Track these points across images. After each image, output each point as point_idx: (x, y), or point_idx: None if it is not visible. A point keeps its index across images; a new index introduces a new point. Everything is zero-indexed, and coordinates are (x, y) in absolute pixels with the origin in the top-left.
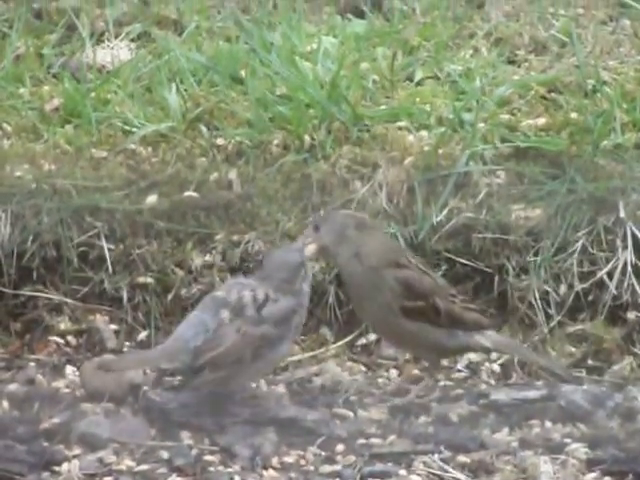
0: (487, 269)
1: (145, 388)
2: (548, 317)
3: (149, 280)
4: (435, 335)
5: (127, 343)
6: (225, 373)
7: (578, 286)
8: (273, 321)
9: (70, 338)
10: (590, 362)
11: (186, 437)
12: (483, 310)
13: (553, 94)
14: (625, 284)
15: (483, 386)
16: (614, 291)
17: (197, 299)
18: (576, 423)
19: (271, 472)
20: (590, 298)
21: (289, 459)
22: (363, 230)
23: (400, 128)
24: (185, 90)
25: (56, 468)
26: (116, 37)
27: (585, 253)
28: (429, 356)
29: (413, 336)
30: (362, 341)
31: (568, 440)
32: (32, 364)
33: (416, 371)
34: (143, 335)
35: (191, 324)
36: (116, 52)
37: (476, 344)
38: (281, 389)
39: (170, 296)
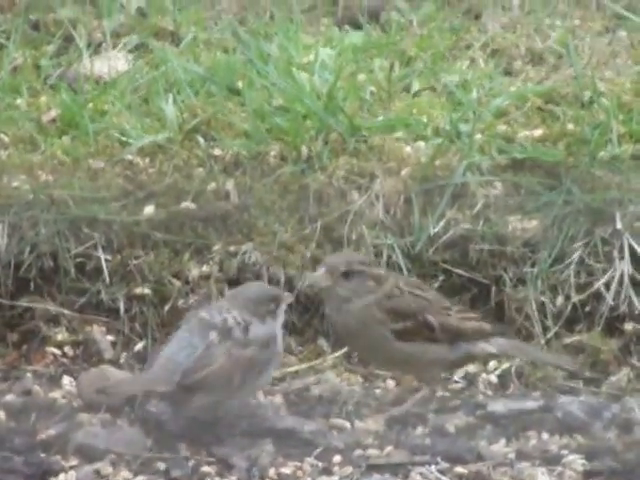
0: (484, 280)
1: (142, 399)
2: (545, 328)
3: (146, 291)
4: (434, 351)
5: (124, 354)
6: (215, 397)
7: (575, 297)
8: (259, 344)
9: (67, 349)
10: (587, 373)
11: (183, 448)
12: (483, 318)
13: (550, 105)
14: (622, 295)
15: (480, 397)
16: (611, 302)
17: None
18: (573, 434)
19: None
20: (587, 309)
21: (286, 470)
22: (349, 278)
23: (397, 139)
24: (182, 101)
25: (53, 479)
26: (113, 48)
27: (582, 264)
28: (432, 373)
29: (412, 357)
30: None
31: (565, 451)
32: (29, 375)
33: (414, 382)
34: (140, 346)
35: (181, 346)
36: (113, 63)
37: (481, 351)
38: (278, 400)
39: (167, 307)
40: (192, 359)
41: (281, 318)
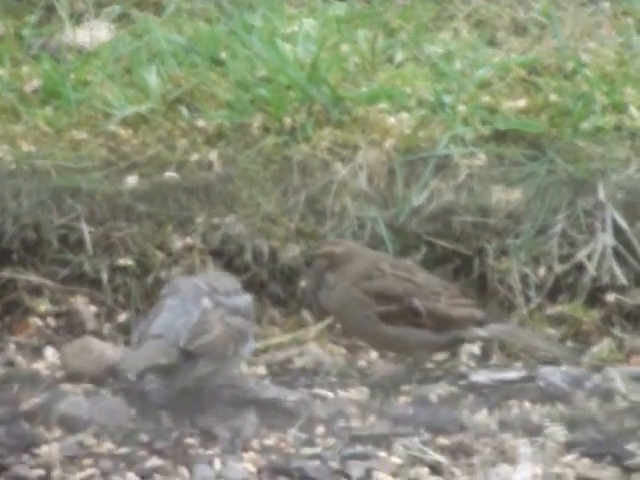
0: (467, 251)
1: (125, 369)
2: (528, 299)
3: (129, 262)
4: (421, 335)
5: (107, 325)
6: (214, 366)
7: (557, 268)
8: (242, 314)
9: (50, 320)
10: (569, 344)
11: (166, 419)
12: (476, 303)
13: (533, 76)
14: (604, 266)
15: (463, 368)
16: (593, 273)
17: None
18: (555, 404)
19: (251, 454)
20: (569, 280)
21: (269, 441)
22: (331, 263)
23: (380, 110)
24: (165, 72)
25: (36, 450)
26: (96, 18)
27: (565, 235)
28: (420, 355)
29: (398, 340)
30: None
31: (547, 422)
32: (12, 346)
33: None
34: (123, 317)
35: (177, 314)
36: (96, 33)
37: (473, 335)
38: (262, 370)
39: (150, 278)
40: (190, 326)
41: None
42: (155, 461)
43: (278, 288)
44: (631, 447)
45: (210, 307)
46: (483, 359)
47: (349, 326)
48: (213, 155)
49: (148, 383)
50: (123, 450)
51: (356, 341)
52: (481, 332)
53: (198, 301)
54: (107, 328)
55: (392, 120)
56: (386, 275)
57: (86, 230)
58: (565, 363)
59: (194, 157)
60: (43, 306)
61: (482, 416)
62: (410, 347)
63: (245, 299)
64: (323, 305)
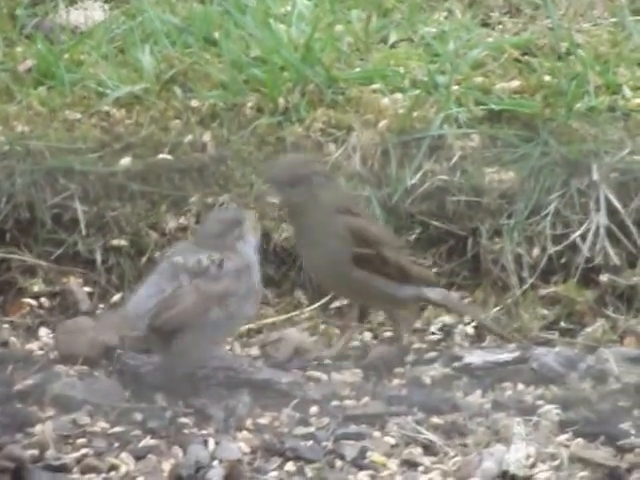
0: (460, 232)
1: (119, 350)
2: (521, 280)
3: (123, 242)
4: (383, 285)
5: (101, 305)
6: (193, 337)
7: (551, 249)
8: (232, 276)
9: (44, 300)
10: (562, 324)
11: (160, 399)
12: (429, 266)
13: (527, 57)
14: (598, 247)
15: (456, 349)
16: (587, 254)
17: None
18: (548, 385)
19: (245, 434)
20: (563, 261)
21: (263, 421)
22: (320, 176)
23: (374, 91)
24: (159, 52)
25: (30, 429)
26: None
27: (558, 216)
28: (380, 306)
29: (361, 285)
30: (336, 304)
31: (540, 402)
32: (5, 326)
33: (389, 333)
34: (117, 297)
35: (151, 291)
36: (89, 13)
37: (425, 297)
38: (255, 351)
39: (144, 259)
40: (159, 301)
41: (252, 239)
42: (149, 441)
43: (271, 269)
44: (624, 427)
45: (186, 281)
46: (477, 340)
47: (317, 259)
48: (207, 135)
49: (137, 364)
50: (117, 429)
51: (348, 321)
52: (433, 296)
53: (175, 278)
54: (101, 308)
55: (386, 100)
56: (364, 215)
57: (80, 210)
58: (492, 335)
59: (188, 137)
60: (37, 286)
61: (476, 397)
62: (372, 296)
63: (241, 258)
64: (299, 214)
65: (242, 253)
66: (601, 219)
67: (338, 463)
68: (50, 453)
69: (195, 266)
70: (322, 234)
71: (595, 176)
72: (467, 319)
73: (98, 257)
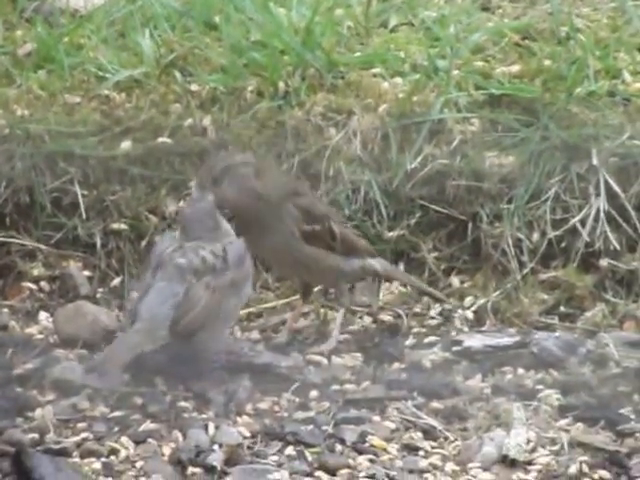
0: (461, 216)
1: (118, 334)
2: (521, 264)
3: (123, 226)
4: (332, 260)
5: (100, 289)
6: (210, 332)
7: (551, 233)
8: (235, 264)
9: (43, 284)
10: (562, 309)
11: (160, 383)
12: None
13: (527, 41)
14: (598, 231)
15: (456, 333)
16: (587, 238)
17: None
18: (549, 370)
19: (245, 418)
20: (563, 245)
21: (263, 405)
22: (249, 166)
23: (374, 75)
24: (159, 35)
25: (30, 414)
26: None
27: (558, 200)
28: (330, 282)
29: (312, 261)
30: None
31: (541, 387)
32: (5, 310)
33: (389, 317)
34: (116, 281)
35: (164, 297)
36: None
37: (369, 268)
38: (255, 335)
39: (144, 242)
40: (175, 306)
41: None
42: (149, 425)
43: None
44: (624, 411)
45: (194, 280)
46: (477, 324)
47: (268, 244)
48: (207, 119)
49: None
50: (117, 413)
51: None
52: (376, 267)
53: (183, 279)
54: (100, 292)
55: (386, 85)
56: (309, 194)
57: (80, 194)
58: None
59: (188, 121)
60: (36, 270)
61: (476, 381)
62: (321, 271)
63: (237, 245)
64: (245, 213)
65: (237, 241)
66: (601, 204)
67: (338, 447)
68: (50, 437)
69: (201, 266)
70: (272, 221)
71: (595, 161)
72: (467, 303)
73: (98, 241)
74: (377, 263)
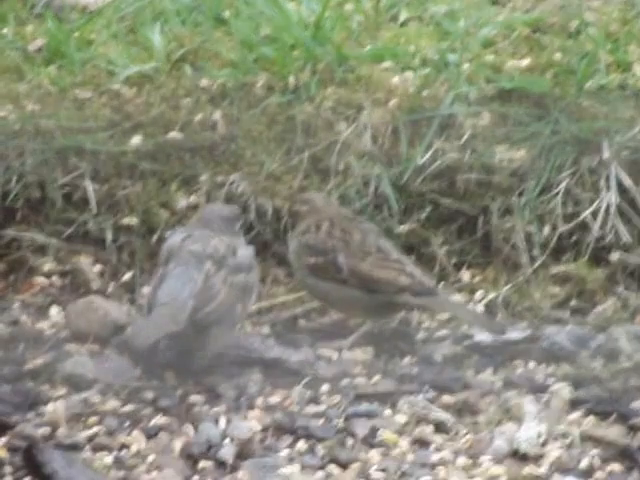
0: (471, 210)
1: (130, 329)
2: (532, 258)
3: (133, 221)
4: (347, 293)
5: (111, 284)
6: (224, 327)
7: (562, 227)
8: (246, 268)
9: (54, 279)
10: (573, 303)
11: (171, 378)
12: (407, 272)
13: (537, 35)
14: (608, 225)
15: (467, 327)
16: (597, 232)
17: None
18: (560, 363)
19: (256, 412)
20: (574, 239)
21: (274, 399)
22: (296, 220)
23: (385, 69)
24: (169, 30)
25: (41, 408)
26: None
27: (569, 194)
28: (359, 315)
29: (327, 294)
30: None
31: (552, 380)
32: (16, 305)
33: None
34: (127, 276)
35: (183, 282)
36: None
37: (406, 302)
38: (266, 330)
39: (154, 237)
40: (195, 293)
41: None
42: (160, 419)
43: (282, 247)
44: (636, 405)
45: (212, 270)
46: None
47: (297, 278)
48: (217, 114)
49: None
50: (128, 408)
51: None
52: (412, 300)
53: (201, 266)
54: (112, 287)
55: (396, 79)
56: (320, 231)
57: (90, 189)
58: (491, 334)
59: (198, 116)
60: (47, 265)
61: (487, 375)
62: (340, 304)
63: (248, 250)
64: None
65: (247, 246)
66: (612, 197)
67: (349, 441)
68: (61, 432)
69: (214, 253)
70: (290, 255)
71: (606, 154)
72: (477, 297)
73: (109, 236)
74: (418, 300)
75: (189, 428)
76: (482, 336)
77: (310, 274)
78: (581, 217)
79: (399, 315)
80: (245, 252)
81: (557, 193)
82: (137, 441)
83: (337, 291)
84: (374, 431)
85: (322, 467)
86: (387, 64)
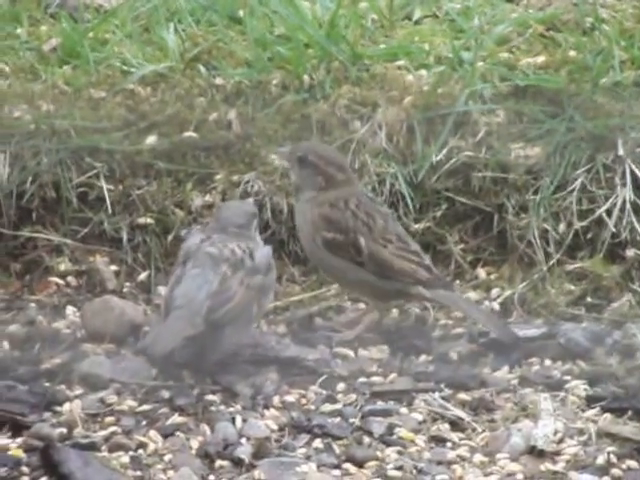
0: (487, 208)
1: (146, 328)
2: (547, 255)
3: (149, 221)
4: (360, 274)
5: (127, 284)
6: (239, 329)
7: (577, 224)
8: (263, 271)
9: (70, 279)
10: (589, 300)
11: (187, 377)
12: (426, 265)
13: (552, 32)
14: (624, 222)
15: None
16: (613, 229)
17: None
18: (576, 360)
19: (272, 411)
20: (589, 236)
21: (290, 398)
22: (302, 166)
23: (399, 67)
24: (183, 30)
25: (58, 408)
26: None
27: (584, 191)
28: (364, 296)
29: (338, 271)
30: None
31: (568, 377)
32: (32, 305)
33: (416, 309)
34: (143, 276)
35: (198, 284)
36: None
37: (417, 293)
38: (282, 329)
39: (170, 237)
40: (210, 295)
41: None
42: (177, 418)
43: (298, 246)
44: None
45: (229, 272)
46: (503, 316)
47: (302, 243)
48: (232, 113)
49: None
50: (145, 407)
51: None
52: (425, 293)
53: (217, 268)
54: (127, 287)
55: (411, 77)
56: (347, 209)
57: (106, 188)
58: (501, 339)
59: (213, 115)
60: (63, 265)
61: (503, 372)
62: (349, 282)
63: (265, 250)
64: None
65: (264, 247)
66: (627, 194)
67: (366, 440)
68: (78, 431)
69: (231, 257)
70: (300, 222)
71: (621, 151)
72: (493, 295)
73: (124, 235)
74: (429, 292)
75: (205, 427)
76: None
77: (324, 247)
78: (596, 214)
79: (405, 304)
80: (263, 253)
81: (572, 190)
82: (154, 440)
83: (350, 270)
84: (390, 429)
85: (338, 465)
86: (401, 62)
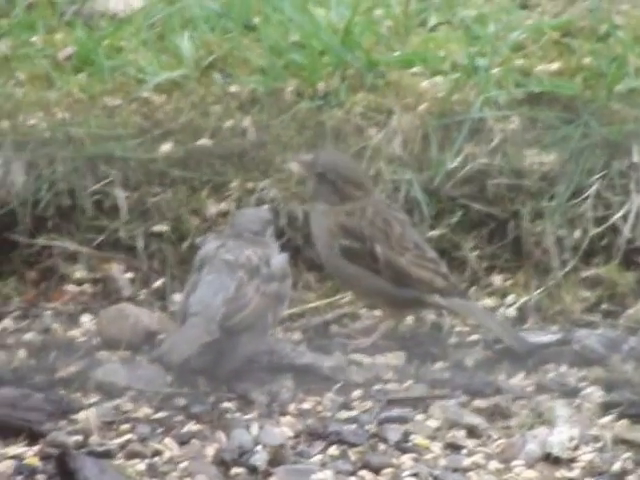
0: (502, 214)
1: (161, 335)
2: (563, 262)
3: (164, 228)
4: (377, 282)
5: (143, 291)
6: (255, 336)
7: (592, 230)
8: (279, 278)
9: (86, 286)
10: (604, 306)
11: (203, 384)
12: (443, 273)
13: (567, 38)
14: (639, 228)
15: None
16: (628, 235)
17: None
18: (591, 367)
19: (288, 418)
20: (604, 242)
21: (306, 405)
22: (321, 181)
23: (414, 74)
24: (198, 37)
25: (73, 416)
26: None
27: (599, 197)
28: (380, 304)
29: (354, 279)
30: None
31: (583, 384)
32: (48, 313)
33: (432, 316)
34: (159, 283)
35: (215, 290)
36: (129, 0)
37: (433, 302)
38: (297, 336)
39: (185, 244)
40: (226, 301)
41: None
42: (192, 426)
43: (313, 253)
44: None
45: (245, 279)
46: (519, 322)
47: (318, 252)
48: (247, 120)
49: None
50: (160, 415)
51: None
52: (441, 301)
53: (233, 274)
54: (143, 294)
55: (426, 84)
56: (363, 217)
57: (121, 196)
58: (515, 348)
59: (228, 123)
60: (79, 273)
61: (518, 379)
62: (364, 291)
63: (281, 258)
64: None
65: (280, 254)
66: None
67: (381, 447)
68: (94, 439)
69: (247, 263)
70: (317, 230)
71: (636, 157)
72: (509, 301)
73: (139, 243)
74: (446, 301)
75: (221, 435)
76: None
77: (341, 255)
78: (611, 220)
79: (420, 312)
80: (279, 260)
81: (587, 197)
82: (170, 448)
83: (366, 278)
84: (406, 436)
85: (354, 472)
86: (417, 69)
